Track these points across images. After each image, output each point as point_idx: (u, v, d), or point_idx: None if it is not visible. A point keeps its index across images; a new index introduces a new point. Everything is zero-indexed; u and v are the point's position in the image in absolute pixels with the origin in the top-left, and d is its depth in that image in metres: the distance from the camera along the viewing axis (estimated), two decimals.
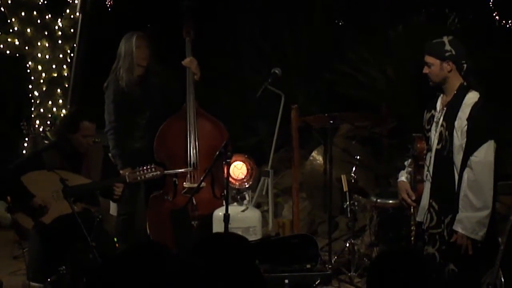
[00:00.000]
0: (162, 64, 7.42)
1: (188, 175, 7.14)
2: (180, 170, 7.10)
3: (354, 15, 10.51)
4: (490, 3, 10.97)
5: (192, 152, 7.16)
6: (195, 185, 6.93)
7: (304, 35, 10.36)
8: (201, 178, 6.49)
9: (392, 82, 9.37)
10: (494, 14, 10.97)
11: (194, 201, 6.39)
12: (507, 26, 11.02)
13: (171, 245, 6.93)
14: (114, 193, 6.34)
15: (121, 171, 6.86)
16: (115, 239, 6.83)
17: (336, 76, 9.57)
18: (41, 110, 9.50)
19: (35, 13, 9.41)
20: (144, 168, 6.39)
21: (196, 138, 7.18)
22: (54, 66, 9.53)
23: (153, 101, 7.28)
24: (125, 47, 7.21)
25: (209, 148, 7.14)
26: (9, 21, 9.41)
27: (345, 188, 7.02)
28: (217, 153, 6.02)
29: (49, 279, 6.06)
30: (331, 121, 7.15)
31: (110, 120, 7.17)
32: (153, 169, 6.38)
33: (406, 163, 5.55)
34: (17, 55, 9.58)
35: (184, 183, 7.13)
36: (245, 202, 7.15)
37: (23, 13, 9.37)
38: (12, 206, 6.20)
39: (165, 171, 6.80)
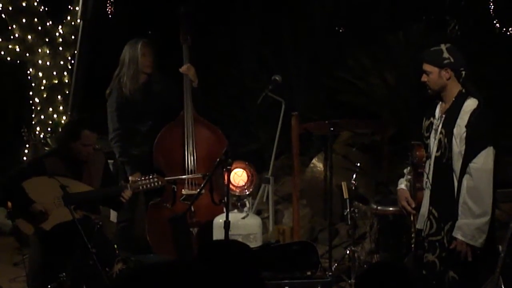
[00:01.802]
0: (162, 71, 7.41)
1: (187, 182, 7.14)
2: (182, 177, 7.10)
3: (354, 22, 10.52)
4: (491, 10, 10.98)
5: (189, 159, 7.16)
6: (194, 192, 6.94)
7: (304, 42, 10.37)
8: (201, 185, 6.50)
9: (392, 89, 9.37)
10: (494, 22, 10.99)
11: (192, 208, 6.39)
12: (508, 33, 11.03)
13: (171, 252, 6.93)
14: (121, 198, 6.32)
15: (130, 177, 6.85)
16: (115, 246, 6.84)
17: (337, 83, 9.57)
18: (42, 116, 9.51)
19: (36, 19, 9.43)
20: (146, 177, 6.39)
21: (194, 145, 7.18)
22: (54, 73, 9.54)
23: (155, 109, 7.28)
24: (129, 53, 7.18)
25: (207, 155, 7.15)
26: (10, 27, 9.42)
27: (346, 195, 7.02)
28: (218, 160, 6.02)
29: (49, 286, 6.07)
30: (332, 128, 7.15)
31: (114, 128, 7.16)
32: (155, 179, 6.37)
33: (405, 171, 5.56)
34: (18, 61, 9.59)
35: (183, 190, 7.13)
36: (245, 209, 7.15)
37: (24, 20, 9.38)
38: (12, 212, 6.21)
39: (166, 179, 6.79)
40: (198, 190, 6.58)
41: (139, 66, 7.15)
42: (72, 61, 9.53)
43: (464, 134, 5.07)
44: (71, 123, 7.13)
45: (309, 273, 6.65)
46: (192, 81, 7.25)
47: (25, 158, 9.16)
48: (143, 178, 6.40)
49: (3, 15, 9.39)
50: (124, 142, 7.16)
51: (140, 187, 6.37)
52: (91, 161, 6.40)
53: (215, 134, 7.31)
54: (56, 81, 9.53)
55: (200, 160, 7.18)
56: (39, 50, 9.46)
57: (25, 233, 6.21)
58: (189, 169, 7.14)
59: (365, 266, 6.94)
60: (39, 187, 6.13)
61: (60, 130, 9.10)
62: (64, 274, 6.05)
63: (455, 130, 5.11)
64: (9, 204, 6.17)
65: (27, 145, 9.08)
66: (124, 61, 7.19)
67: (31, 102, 9.58)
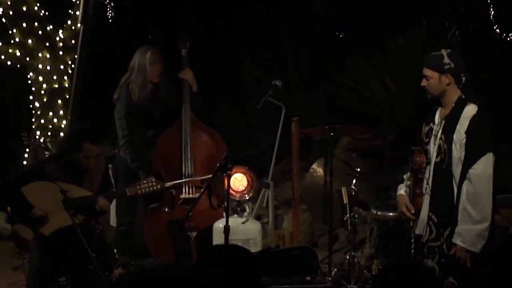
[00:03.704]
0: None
1: (184, 186, 7.13)
2: (182, 181, 7.10)
3: (354, 28, 10.53)
4: (491, 16, 10.99)
5: (187, 163, 7.16)
6: (191, 195, 6.95)
7: (305, 47, 10.38)
8: (202, 190, 6.49)
9: (392, 95, 9.38)
10: (494, 27, 11.00)
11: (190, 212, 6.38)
12: (508, 39, 11.04)
13: (170, 256, 6.93)
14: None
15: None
16: (115, 250, 6.84)
17: (337, 88, 9.58)
18: (42, 121, 9.52)
19: (36, 24, 9.44)
20: (145, 181, 6.38)
21: (191, 149, 7.17)
22: (55, 77, 9.55)
23: (161, 117, 7.27)
24: (139, 61, 7.16)
25: (205, 159, 7.15)
26: (10, 32, 9.44)
27: (346, 201, 7.01)
28: (218, 165, 6.02)
29: None
30: (332, 133, 7.14)
31: (124, 135, 7.15)
32: (154, 183, 6.36)
33: (405, 176, 5.55)
34: (18, 66, 9.61)
35: (181, 194, 7.13)
36: (245, 214, 7.14)
37: (24, 24, 9.40)
38: (12, 217, 6.21)
39: (166, 184, 6.79)
40: (198, 194, 6.58)
41: (147, 75, 7.14)
42: (73, 66, 9.55)
43: (464, 140, 5.07)
44: (72, 133, 7.08)
45: (308, 278, 6.65)
46: (191, 86, 7.25)
47: (25, 163, 9.17)
48: (142, 182, 6.39)
49: (3, 20, 9.40)
50: (134, 148, 7.15)
51: (139, 191, 6.36)
52: (92, 167, 6.38)
53: (213, 138, 7.31)
54: (56, 86, 9.54)
55: (197, 164, 7.18)
56: (39, 55, 9.47)
57: (25, 238, 6.21)
58: (186, 173, 7.14)
59: (365, 271, 6.94)
60: (39, 192, 6.13)
61: (61, 137, 9.12)
62: (63, 278, 6.06)
63: (454, 136, 5.11)
64: (9, 208, 6.17)
65: (27, 150, 9.09)
66: (133, 68, 7.18)
67: (31, 106, 9.59)
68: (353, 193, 7.07)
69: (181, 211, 6.87)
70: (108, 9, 12.13)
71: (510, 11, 10.52)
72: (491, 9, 10.94)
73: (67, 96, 9.55)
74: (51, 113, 9.54)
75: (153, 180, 6.42)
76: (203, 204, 7.05)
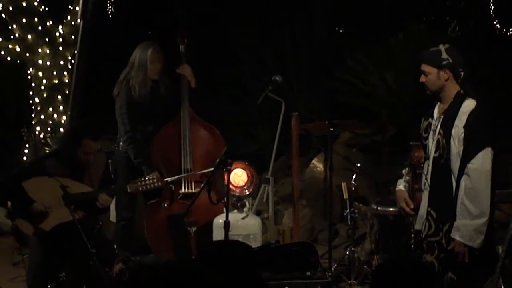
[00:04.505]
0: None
1: (183, 181, 7.14)
2: (181, 176, 7.10)
3: (354, 23, 10.53)
4: (491, 11, 11.00)
5: (186, 158, 7.16)
6: (190, 191, 6.95)
7: (305, 42, 10.37)
8: (201, 186, 6.50)
9: (392, 90, 9.38)
10: (494, 22, 11.00)
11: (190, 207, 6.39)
12: (508, 34, 11.05)
13: (169, 252, 6.94)
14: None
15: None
16: (115, 246, 6.83)
17: (337, 83, 9.58)
18: (42, 116, 9.51)
19: (36, 19, 9.44)
20: (146, 178, 6.38)
21: (190, 144, 7.17)
22: (55, 73, 9.54)
23: (161, 112, 7.27)
24: (139, 58, 7.16)
25: (204, 154, 7.16)
26: (10, 27, 9.43)
27: (346, 196, 7.01)
28: (218, 160, 6.02)
29: (49, 286, 6.07)
30: (332, 129, 7.14)
31: (127, 130, 7.15)
32: (155, 180, 6.36)
33: (404, 171, 5.55)
34: (18, 61, 9.60)
35: (180, 189, 7.14)
36: (245, 209, 7.15)
37: (24, 20, 9.39)
38: (12, 212, 6.20)
39: (166, 179, 6.79)
40: (197, 189, 6.58)
41: (147, 73, 7.14)
42: (72, 61, 9.54)
43: (462, 135, 5.06)
44: (72, 129, 7.07)
45: (308, 273, 6.65)
46: (190, 81, 7.25)
47: (25, 158, 9.17)
48: (143, 179, 6.39)
49: (3, 15, 9.40)
50: (137, 143, 7.16)
51: (140, 188, 6.35)
52: (93, 163, 6.38)
53: (212, 134, 7.32)
54: (56, 81, 9.53)
55: (196, 159, 7.19)
56: (39, 50, 9.47)
57: (25, 233, 6.21)
58: (185, 168, 7.15)
59: (365, 266, 6.95)
60: (39, 187, 6.12)
61: (61, 132, 9.12)
62: (63, 274, 6.06)
63: (453, 131, 5.11)
64: (9, 203, 6.16)
65: (27, 145, 9.09)
66: (133, 64, 7.18)
67: (31, 102, 9.59)
68: (353, 188, 7.08)
69: (180, 206, 6.88)
70: (108, 5, 12.14)
71: (510, 5, 10.52)
72: (491, 4, 10.94)
73: (67, 92, 9.54)
74: (51, 109, 9.53)
75: (155, 177, 6.42)
76: (203, 200, 7.05)
